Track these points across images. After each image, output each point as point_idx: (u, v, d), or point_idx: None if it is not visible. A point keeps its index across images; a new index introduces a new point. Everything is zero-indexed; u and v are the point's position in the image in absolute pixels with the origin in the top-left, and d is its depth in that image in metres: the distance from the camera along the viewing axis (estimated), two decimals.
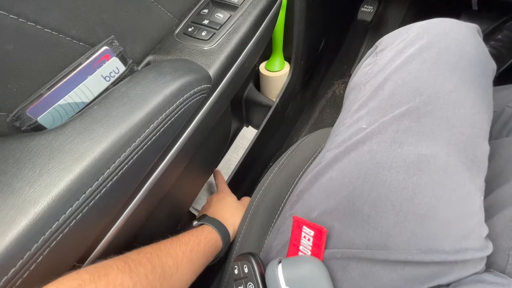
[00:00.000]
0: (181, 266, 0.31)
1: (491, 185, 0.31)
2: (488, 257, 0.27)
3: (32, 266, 0.21)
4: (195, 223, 0.44)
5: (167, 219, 0.46)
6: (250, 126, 0.80)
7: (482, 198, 0.28)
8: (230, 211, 0.47)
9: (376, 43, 0.38)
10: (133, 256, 0.27)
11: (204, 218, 0.44)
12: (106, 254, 0.27)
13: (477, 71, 0.29)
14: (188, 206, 0.62)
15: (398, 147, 0.28)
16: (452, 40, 0.30)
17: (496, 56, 0.67)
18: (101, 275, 0.23)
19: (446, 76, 0.28)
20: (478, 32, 0.32)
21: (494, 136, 0.38)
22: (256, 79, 0.75)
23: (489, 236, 0.27)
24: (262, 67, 0.70)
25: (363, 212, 0.28)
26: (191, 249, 0.34)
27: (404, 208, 0.26)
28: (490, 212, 0.29)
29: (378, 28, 0.94)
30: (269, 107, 0.71)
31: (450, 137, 0.27)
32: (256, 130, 0.73)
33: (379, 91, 0.31)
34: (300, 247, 0.31)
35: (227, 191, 0.55)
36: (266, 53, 0.69)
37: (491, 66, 0.31)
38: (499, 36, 0.68)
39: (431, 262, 0.25)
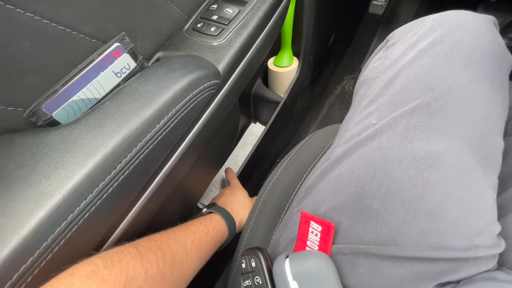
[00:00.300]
0: (190, 254, 0.32)
1: (505, 183, 0.30)
2: (501, 255, 0.26)
3: (49, 256, 0.22)
4: (204, 210, 0.45)
5: (177, 212, 0.47)
6: (258, 123, 0.80)
7: (495, 195, 0.27)
8: (239, 204, 0.49)
9: (387, 37, 0.37)
10: (144, 243, 0.28)
11: (213, 206, 0.46)
12: (119, 243, 0.28)
13: (492, 65, 0.28)
14: (197, 202, 0.63)
15: (408, 143, 0.27)
16: (466, 33, 0.29)
17: None
18: (114, 261, 0.23)
19: (459, 71, 0.28)
20: (495, 24, 0.31)
21: (510, 132, 0.37)
22: (264, 75, 0.74)
23: (502, 234, 0.27)
24: (270, 62, 0.70)
25: (372, 208, 0.27)
26: (199, 238, 0.35)
27: (413, 204, 0.26)
28: (504, 210, 0.29)
29: (389, 22, 0.92)
30: (277, 103, 0.70)
31: (462, 133, 0.26)
32: (264, 127, 0.73)
33: (389, 86, 0.31)
34: (308, 242, 0.31)
35: (240, 186, 0.58)
36: (274, 49, 0.68)
37: (508, 60, 0.30)
38: None
39: (441, 259, 0.25)
